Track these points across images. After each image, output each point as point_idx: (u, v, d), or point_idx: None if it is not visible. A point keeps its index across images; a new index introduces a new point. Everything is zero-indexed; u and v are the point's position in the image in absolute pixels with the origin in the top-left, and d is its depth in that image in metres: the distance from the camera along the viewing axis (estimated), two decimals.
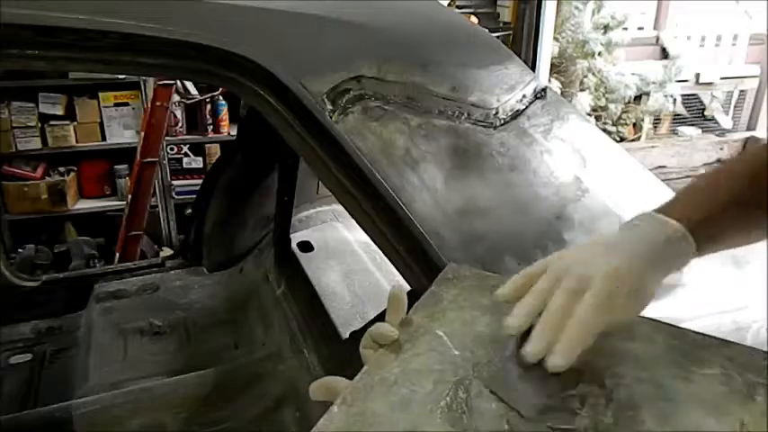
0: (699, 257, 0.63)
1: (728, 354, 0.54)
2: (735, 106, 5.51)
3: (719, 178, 0.72)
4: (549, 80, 4.54)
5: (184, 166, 3.72)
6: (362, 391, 0.52)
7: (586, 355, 0.52)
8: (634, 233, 0.61)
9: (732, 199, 0.66)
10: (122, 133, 3.57)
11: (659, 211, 0.64)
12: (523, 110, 1.12)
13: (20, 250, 3.31)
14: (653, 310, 0.95)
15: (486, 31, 2.00)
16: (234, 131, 3.47)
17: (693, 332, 0.57)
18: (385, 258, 0.97)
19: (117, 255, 3.09)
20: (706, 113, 5.42)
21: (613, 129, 4.95)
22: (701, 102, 5.40)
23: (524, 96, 1.14)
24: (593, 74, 4.76)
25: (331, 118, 0.95)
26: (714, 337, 0.56)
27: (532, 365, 0.52)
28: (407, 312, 0.61)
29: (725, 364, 0.52)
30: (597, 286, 0.53)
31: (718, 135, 5.39)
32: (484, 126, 1.05)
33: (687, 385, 0.51)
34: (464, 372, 0.53)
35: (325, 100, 0.96)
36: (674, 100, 5.07)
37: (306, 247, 2.10)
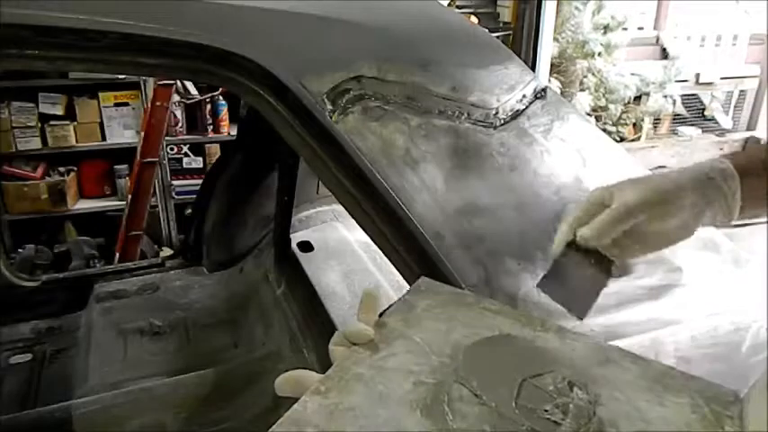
0: (750, 213, 0.68)
1: (695, 386, 0.55)
2: (735, 106, 5.51)
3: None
4: (549, 80, 4.53)
5: (184, 166, 3.72)
6: (337, 384, 0.51)
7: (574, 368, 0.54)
8: (681, 168, 0.70)
9: None
10: (122, 133, 3.57)
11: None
12: (523, 110, 1.12)
13: (20, 250, 3.31)
14: (653, 310, 0.95)
15: (486, 31, 2.00)
16: (234, 131, 3.48)
17: (659, 363, 0.58)
18: (385, 258, 0.97)
19: (117, 255, 3.09)
20: (706, 113, 5.42)
21: (613, 129, 4.95)
22: (700, 102, 5.40)
23: (524, 96, 1.14)
24: (593, 74, 4.76)
25: (331, 118, 0.95)
26: (678, 371, 0.57)
27: (518, 370, 0.52)
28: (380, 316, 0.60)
29: (693, 396, 0.54)
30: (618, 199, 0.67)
31: (718, 135, 5.39)
32: (484, 126, 1.05)
33: (661, 409, 0.52)
34: (443, 376, 0.52)
35: (325, 100, 0.96)
36: (674, 102, 5.06)
37: (306, 247, 2.10)
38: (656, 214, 0.65)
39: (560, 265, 0.74)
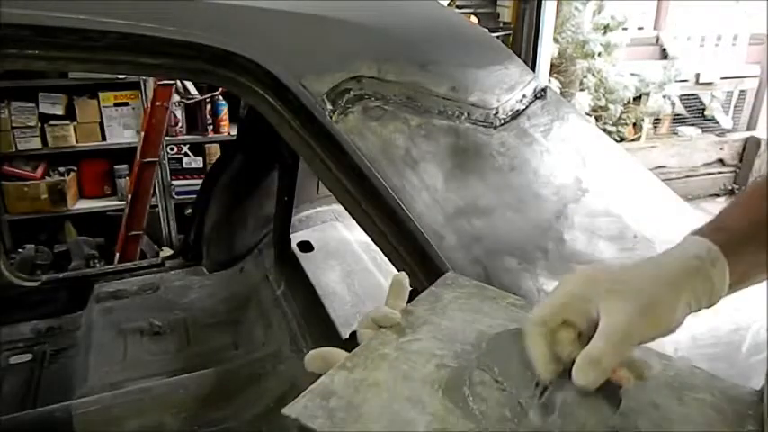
0: (735, 289, 0.58)
1: (717, 386, 0.55)
2: (735, 106, 5.51)
3: (753, 196, 0.65)
4: (549, 80, 4.54)
5: (184, 166, 3.72)
6: (363, 361, 0.53)
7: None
8: (663, 255, 0.57)
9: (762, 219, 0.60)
10: (122, 133, 3.57)
11: (695, 232, 0.59)
12: (523, 110, 1.12)
13: (20, 250, 3.31)
14: None
15: (486, 31, 2.00)
16: (234, 131, 3.48)
17: (683, 362, 0.58)
18: (385, 258, 0.97)
19: (117, 255, 3.09)
20: (706, 113, 5.42)
21: (613, 129, 4.95)
22: (700, 102, 5.40)
23: (524, 96, 1.14)
24: (593, 74, 4.76)
25: (331, 118, 0.95)
26: (702, 370, 0.57)
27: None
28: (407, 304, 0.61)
29: (714, 393, 0.54)
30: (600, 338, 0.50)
31: (718, 135, 5.39)
32: (484, 126, 1.05)
33: (681, 407, 0.52)
34: (466, 361, 0.54)
35: (325, 100, 0.96)
36: (674, 102, 5.07)
37: (306, 247, 2.10)
38: (650, 325, 0.52)
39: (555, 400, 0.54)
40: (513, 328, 0.58)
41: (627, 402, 0.51)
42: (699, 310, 0.55)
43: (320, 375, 0.51)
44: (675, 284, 0.53)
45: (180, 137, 3.67)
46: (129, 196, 3.08)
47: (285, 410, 0.47)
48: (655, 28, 5.17)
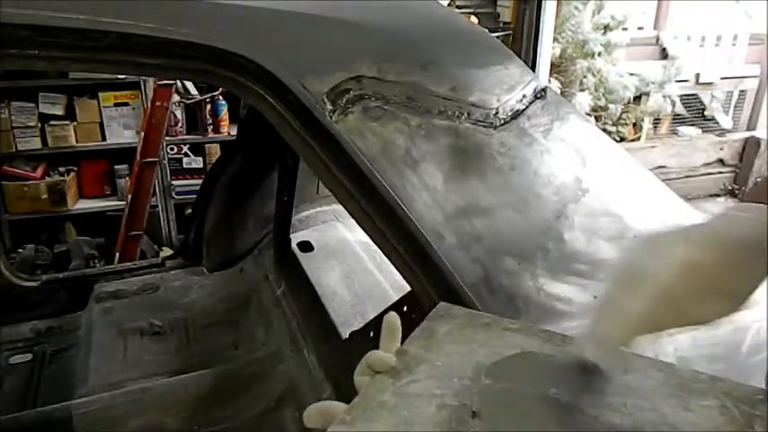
0: None
1: (723, 388, 0.55)
2: (735, 106, 5.51)
3: None
4: (549, 80, 4.53)
5: (184, 166, 3.71)
6: (362, 414, 0.51)
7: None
8: (727, 222, 0.55)
9: None
10: (122, 133, 3.57)
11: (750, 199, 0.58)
12: (523, 110, 1.12)
13: (20, 250, 3.32)
14: None
15: (486, 31, 2.00)
16: (234, 131, 3.47)
17: (685, 368, 0.58)
18: (385, 258, 0.97)
19: (117, 255, 3.09)
20: (706, 113, 5.42)
21: (613, 129, 4.95)
22: (700, 102, 5.40)
23: (524, 96, 1.14)
24: (593, 74, 4.76)
25: (331, 118, 0.95)
26: (705, 374, 0.57)
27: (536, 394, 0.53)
28: (401, 344, 0.60)
29: (720, 397, 0.54)
30: (658, 282, 0.51)
31: (718, 135, 5.39)
32: (484, 126, 1.05)
33: (688, 415, 0.52)
34: (467, 398, 0.53)
35: (325, 100, 0.96)
36: (673, 103, 5.07)
37: (306, 247, 2.10)
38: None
39: None
40: (510, 354, 0.58)
41: (636, 416, 0.51)
42: None
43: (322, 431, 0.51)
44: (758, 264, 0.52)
45: (180, 137, 3.67)
46: (129, 196, 3.08)
47: None
48: (655, 28, 5.17)
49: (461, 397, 0.53)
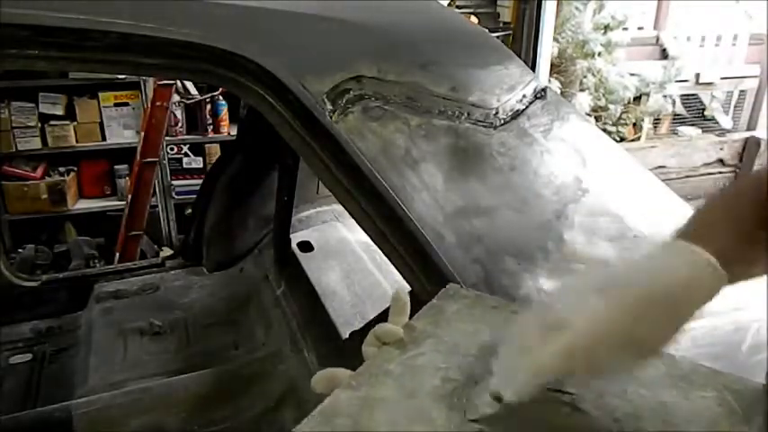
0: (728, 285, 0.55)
1: (723, 381, 0.56)
2: (735, 106, 5.50)
3: (740, 198, 0.61)
4: (549, 80, 4.53)
5: (184, 166, 3.71)
6: (368, 379, 0.53)
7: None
8: (652, 268, 0.53)
9: (761, 216, 0.56)
10: (122, 133, 3.57)
11: (683, 236, 0.55)
12: (523, 110, 1.12)
13: (20, 250, 3.32)
14: None
15: (486, 31, 2.00)
16: (234, 131, 3.47)
17: (687, 360, 0.58)
18: (385, 258, 0.97)
19: (117, 255, 3.08)
20: (706, 113, 5.42)
21: (613, 129, 4.95)
22: (700, 102, 5.40)
23: (524, 96, 1.14)
24: (593, 74, 4.76)
25: (331, 118, 0.95)
26: (707, 367, 0.58)
27: None
28: (410, 319, 0.61)
29: (720, 390, 0.55)
30: (566, 335, 0.49)
31: (718, 135, 5.38)
32: (484, 126, 1.05)
33: (687, 404, 0.53)
34: (471, 373, 0.54)
35: (325, 100, 0.96)
36: (674, 102, 5.06)
37: (306, 247, 2.10)
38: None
39: None
40: None
41: (635, 403, 0.52)
42: None
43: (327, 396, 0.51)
44: (673, 317, 0.52)
45: (180, 137, 3.67)
46: (129, 196, 3.08)
47: None
48: (655, 28, 5.16)
49: (465, 371, 0.54)
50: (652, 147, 5.07)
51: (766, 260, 0.58)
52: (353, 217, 0.99)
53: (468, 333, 0.60)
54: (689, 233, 0.56)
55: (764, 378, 0.58)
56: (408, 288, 0.86)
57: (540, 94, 1.16)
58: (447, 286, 0.70)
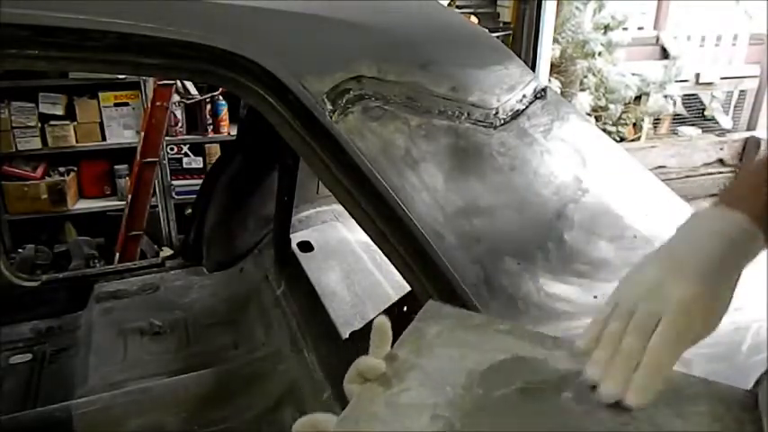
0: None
1: (714, 392, 0.55)
2: (735, 106, 5.51)
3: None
4: (549, 80, 4.53)
5: (184, 166, 3.71)
6: (354, 426, 0.50)
7: None
8: (702, 237, 0.58)
9: None
10: (122, 133, 3.57)
11: (722, 201, 0.61)
12: (523, 110, 1.12)
13: (20, 250, 3.31)
14: None
15: (486, 31, 2.00)
16: (234, 131, 3.47)
17: (676, 372, 0.57)
18: (385, 258, 0.97)
19: (117, 255, 3.08)
20: (706, 113, 5.42)
21: (613, 129, 4.95)
22: (701, 102, 5.40)
23: (524, 96, 1.14)
24: (593, 74, 4.76)
25: (331, 118, 0.95)
26: (696, 377, 0.57)
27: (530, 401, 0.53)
28: (392, 347, 0.59)
29: (712, 402, 0.54)
30: (667, 324, 0.53)
31: (718, 135, 5.38)
32: (484, 126, 1.05)
33: (682, 423, 0.52)
34: (461, 407, 0.52)
35: (325, 100, 0.96)
36: (674, 102, 5.06)
37: (306, 247, 2.10)
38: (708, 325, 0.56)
39: None
40: (501, 359, 0.57)
41: (630, 427, 0.51)
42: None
43: None
44: (728, 279, 0.56)
45: (180, 137, 3.67)
46: (129, 196, 3.08)
47: None
48: (655, 28, 5.17)
49: (454, 407, 0.52)
50: (652, 147, 5.07)
51: None
52: (353, 217, 0.99)
53: (453, 359, 0.58)
54: (724, 202, 0.61)
55: (756, 383, 0.58)
56: (404, 291, 0.86)
57: (540, 94, 1.16)
58: (426, 304, 0.66)
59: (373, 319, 0.59)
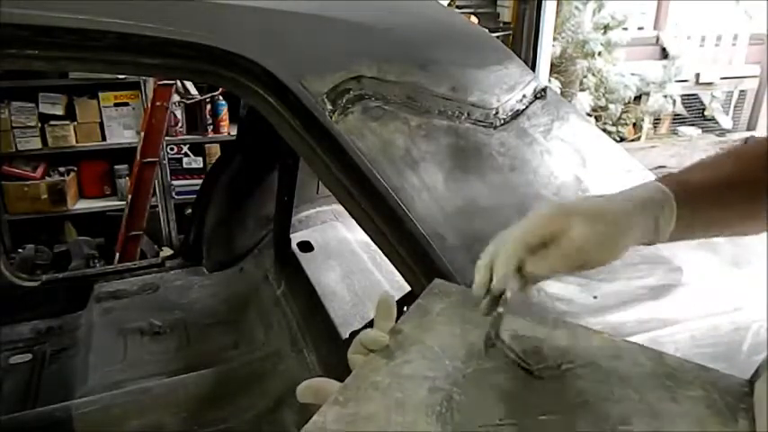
0: (679, 234, 0.65)
1: (709, 378, 0.56)
2: (735, 106, 5.51)
3: (716, 158, 0.71)
4: (549, 80, 4.53)
5: (184, 166, 3.71)
6: (355, 394, 0.52)
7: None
8: (622, 193, 0.65)
9: (721, 176, 0.67)
10: (122, 133, 3.57)
11: (658, 179, 0.67)
12: (523, 110, 1.12)
13: (20, 250, 3.31)
14: (653, 310, 0.95)
15: (486, 31, 2.00)
16: (234, 131, 3.47)
17: (673, 356, 0.58)
18: (385, 258, 0.97)
19: (117, 255, 3.08)
20: (706, 113, 5.42)
21: (613, 129, 4.95)
22: (701, 102, 5.40)
23: (524, 96, 1.14)
24: (593, 74, 4.76)
25: (331, 118, 0.95)
26: (693, 363, 0.58)
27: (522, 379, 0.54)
28: (396, 322, 0.61)
29: (707, 388, 0.54)
30: (526, 221, 0.63)
31: (718, 135, 5.39)
32: (484, 126, 1.05)
33: (674, 405, 0.53)
34: (458, 381, 0.53)
35: (326, 100, 0.96)
36: (674, 102, 5.07)
37: (306, 247, 2.10)
38: (605, 246, 0.61)
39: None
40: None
41: (622, 405, 0.52)
42: (641, 245, 0.64)
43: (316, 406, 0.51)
44: (626, 219, 0.61)
45: (180, 137, 3.67)
46: (129, 196, 3.08)
47: None
48: (655, 28, 5.17)
49: (453, 380, 0.54)
50: (652, 147, 5.07)
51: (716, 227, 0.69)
52: (353, 217, 0.99)
53: (454, 335, 0.59)
54: (666, 178, 0.67)
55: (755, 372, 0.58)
56: (404, 291, 0.86)
57: (540, 94, 1.16)
58: (432, 283, 0.69)
59: (373, 319, 0.60)
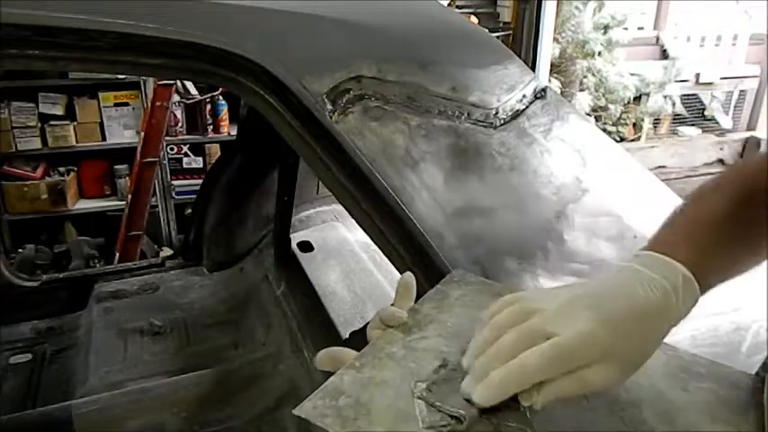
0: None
1: (720, 372, 0.57)
2: (735, 106, 5.52)
3: (710, 206, 0.62)
4: (549, 80, 4.54)
5: (184, 166, 3.72)
6: (371, 361, 0.54)
7: None
8: (633, 284, 0.53)
9: (730, 228, 0.60)
10: (122, 133, 3.57)
11: (656, 248, 0.57)
12: (523, 110, 1.12)
13: (20, 250, 3.31)
14: None
15: (486, 31, 2.00)
16: (234, 131, 3.48)
17: (687, 351, 0.60)
18: (385, 258, 0.97)
19: (117, 255, 3.09)
20: (706, 113, 5.43)
21: (613, 129, 4.96)
22: (701, 102, 5.41)
23: (524, 96, 1.14)
24: (593, 74, 4.77)
25: (331, 118, 0.95)
26: (705, 358, 0.59)
27: None
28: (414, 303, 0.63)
29: (718, 381, 0.56)
30: (554, 342, 0.48)
31: (718, 135, 5.39)
32: (484, 126, 1.05)
33: (685, 394, 0.54)
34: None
35: (326, 100, 0.96)
36: (674, 102, 5.07)
37: (306, 247, 2.10)
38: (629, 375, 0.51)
39: None
40: None
41: (634, 393, 0.53)
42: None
43: (330, 374, 0.53)
44: (655, 331, 0.52)
45: (180, 137, 3.67)
46: (129, 196, 3.08)
47: (296, 411, 0.48)
48: (655, 28, 5.17)
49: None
50: (652, 147, 5.08)
51: (734, 266, 0.62)
52: (353, 217, 0.99)
53: (471, 318, 0.61)
54: (659, 244, 0.57)
55: (763, 365, 0.58)
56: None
57: (540, 94, 1.16)
58: (453, 271, 0.71)
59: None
